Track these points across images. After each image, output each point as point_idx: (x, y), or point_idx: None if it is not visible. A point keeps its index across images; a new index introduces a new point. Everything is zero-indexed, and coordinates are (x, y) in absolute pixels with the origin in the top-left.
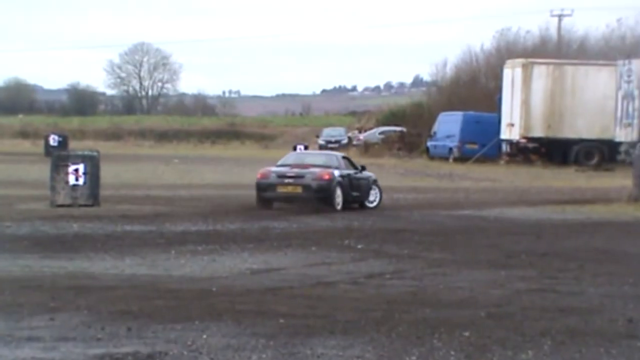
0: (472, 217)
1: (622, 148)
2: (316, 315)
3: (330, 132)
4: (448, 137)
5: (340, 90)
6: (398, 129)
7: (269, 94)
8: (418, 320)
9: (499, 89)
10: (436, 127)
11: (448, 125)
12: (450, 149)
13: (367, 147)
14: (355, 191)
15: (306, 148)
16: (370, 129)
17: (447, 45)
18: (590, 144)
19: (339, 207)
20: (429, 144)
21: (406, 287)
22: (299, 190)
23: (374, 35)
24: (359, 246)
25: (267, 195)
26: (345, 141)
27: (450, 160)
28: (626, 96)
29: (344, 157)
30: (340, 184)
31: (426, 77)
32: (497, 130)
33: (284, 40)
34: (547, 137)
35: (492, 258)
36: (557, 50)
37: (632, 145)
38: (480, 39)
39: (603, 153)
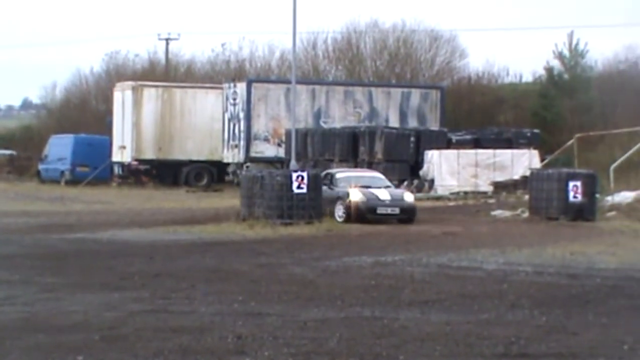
0: (85, 240)
1: (230, 169)
2: None
3: None
4: (59, 160)
5: None
6: (7, 152)
7: None
8: (30, 347)
9: (110, 112)
10: (47, 150)
11: (59, 148)
12: (62, 172)
13: None
14: None
15: None
16: None
17: (56, 68)
18: (200, 166)
19: None
20: (40, 167)
21: (18, 313)
22: None
23: None
24: None
25: None
26: None
27: (62, 183)
28: (232, 118)
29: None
30: None
31: (36, 100)
32: (109, 153)
33: None
34: (158, 159)
35: (106, 280)
36: (166, 73)
37: (239, 166)
38: (89, 62)
39: (212, 174)
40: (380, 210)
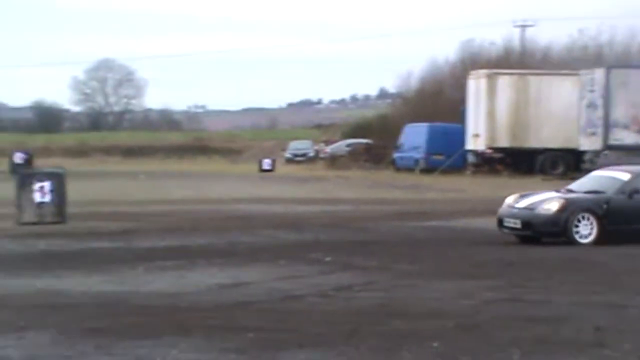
0: (439, 228)
1: (587, 157)
2: (285, 329)
3: (297, 145)
4: (414, 148)
5: (306, 104)
6: (364, 141)
7: (235, 108)
8: (387, 332)
9: (463, 100)
10: (402, 139)
11: (414, 137)
12: (417, 160)
13: (333, 160)
14: None
15: (273, 162)
16: (336, 141)
17: (411, 57)
18: (555, 153)
19: None
20: (395, 155)
21: (375, 299)
22: None
23: (338, 48)
24: (327, 259)
25: None
26: (312, 154)
27: (417, 171)
28: (590, 105)
29: None
30: None
31: (391, 89)
32: (463, 141)
33: (248, 54)
34: (512, 147)
35: (460, 268)
36: (521, 60)
37: (597, 153)
38: (444, 51)
39: (568, 162)
40: (507, 223)
